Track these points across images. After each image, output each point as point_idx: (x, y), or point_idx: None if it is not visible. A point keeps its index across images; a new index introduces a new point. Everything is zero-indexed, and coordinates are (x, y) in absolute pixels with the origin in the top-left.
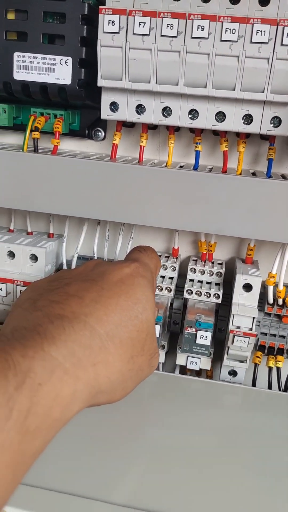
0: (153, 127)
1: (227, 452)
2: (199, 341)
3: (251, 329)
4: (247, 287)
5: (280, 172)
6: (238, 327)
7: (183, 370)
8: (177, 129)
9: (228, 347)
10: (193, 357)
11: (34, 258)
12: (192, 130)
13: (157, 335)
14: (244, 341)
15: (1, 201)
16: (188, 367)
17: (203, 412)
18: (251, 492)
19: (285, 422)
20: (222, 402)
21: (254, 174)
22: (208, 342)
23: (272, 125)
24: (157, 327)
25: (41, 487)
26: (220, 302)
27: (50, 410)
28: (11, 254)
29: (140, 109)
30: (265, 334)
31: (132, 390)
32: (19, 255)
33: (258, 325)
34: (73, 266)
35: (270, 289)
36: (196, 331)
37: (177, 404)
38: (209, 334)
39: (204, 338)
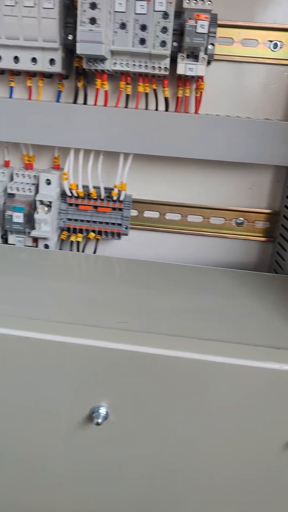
0: None
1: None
2: (15, 219)
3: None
4: (48, 182)
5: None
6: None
7: None
8: None
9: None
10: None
11: None
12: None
13: None
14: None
15: None
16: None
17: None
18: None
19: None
20: (41, 263)
21: None
22: (21, 220)
23: (50, 64)
24: None
25: None
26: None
27: None
28: None
29: None
30: (70, 220)
31: None
32: None
33: (65, 213)
34: None
35: (65, 184)
36: (12, 212)
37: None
38: (21, 215)
39: (19, 217)
